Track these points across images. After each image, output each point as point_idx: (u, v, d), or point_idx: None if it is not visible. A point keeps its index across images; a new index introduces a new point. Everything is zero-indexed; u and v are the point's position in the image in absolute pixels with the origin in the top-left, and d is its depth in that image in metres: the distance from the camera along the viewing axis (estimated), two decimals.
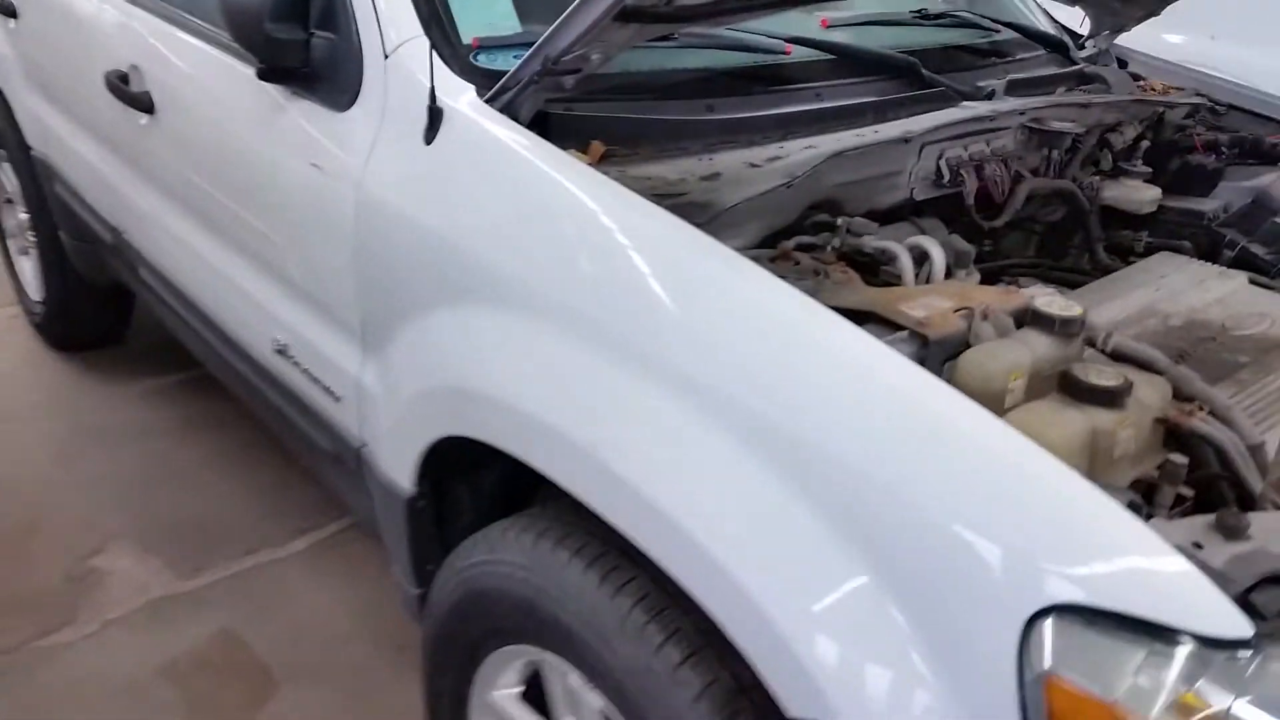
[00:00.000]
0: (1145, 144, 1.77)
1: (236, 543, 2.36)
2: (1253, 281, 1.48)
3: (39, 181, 2.70)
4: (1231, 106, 1.96)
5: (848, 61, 1.60)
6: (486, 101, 1.28)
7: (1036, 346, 1.03)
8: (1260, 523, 0.87)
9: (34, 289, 3.12)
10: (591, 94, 1.35)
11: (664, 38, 1.39)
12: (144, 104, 1.88)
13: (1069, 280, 1.48)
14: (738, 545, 0.95)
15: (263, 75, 1.46)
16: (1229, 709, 0.77)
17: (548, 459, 1.13)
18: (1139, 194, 1.67)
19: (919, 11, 1.80)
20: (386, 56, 1.37)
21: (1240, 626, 0.76)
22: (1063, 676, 0.80)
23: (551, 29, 1.19)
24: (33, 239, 2.98)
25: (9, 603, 2.15)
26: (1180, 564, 0.79)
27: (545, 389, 1.12)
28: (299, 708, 1.94)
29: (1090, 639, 0.79)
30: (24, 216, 3.02)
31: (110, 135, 2.12)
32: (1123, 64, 2.10)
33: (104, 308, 2.99)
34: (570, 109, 1.33)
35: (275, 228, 1.59)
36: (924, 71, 1.61)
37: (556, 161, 1.20)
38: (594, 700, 1.19)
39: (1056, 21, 2.13)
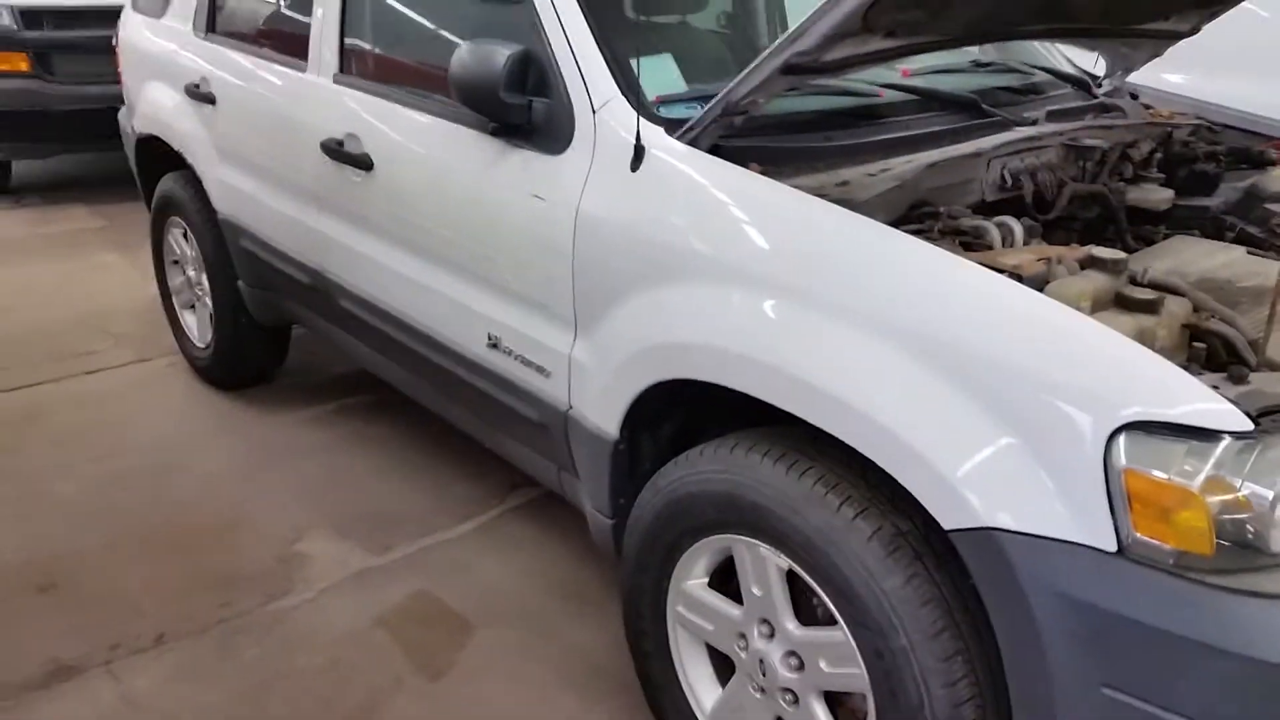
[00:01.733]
0: (1158, 156, 2.24)
1: (415, 526, 2.82)
2: (1249, 252, 1.94)
3: (223, 240, 3.21)
4: (1224, 126, 2.44)
5: (925, 100, 2.09)
6: (676, 138, 1.77)
7: (1096, 280, 1.49)
8: (1256, 377, 1.32)
9: (198, 337, 3.64)
10: (743, 131, 1.84)
11: (792, 87, 1.88)
12: (364, 163, 2.39)
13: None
14: (902, 416, 1.41)
15: (495, 132, 1.97)
16: (1240, 483, 1.22)
17: (744, 380, 1.60)
18: (1155, 195, 2.13)
19: (974, 61, 2.30)
20: (594, 112, 1.87)
21: (1244, 422, 1.21)
22: (1134, 469, 1.25)
23: (734, 82, 1.69)
24: (200, 293, 3.50)
25: (231, 580, 2.60)
26: (1206, 392, 1.25)
27: (742, 329, 1.59)
28: (495, 644, 2.38)
29: (1151, 442, 1.25)
30: (191, 274, 3.55)
31: (318, 192, 2.63)
32: (1134, 96, 2.59)
33: (268, 347, 3.50)
34: (731, 142, 1.81)
35: (495, 247, 2.09)
36: (983, 105, 2.10)
37: (738, 174, 1.68)
38: (780, 562, 1.63)
39: (1077, 65, 2.63)
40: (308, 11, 2.68)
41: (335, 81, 2.56)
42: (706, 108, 1.74)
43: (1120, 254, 1.55)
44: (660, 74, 1.94)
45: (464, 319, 2.23)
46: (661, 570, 1.86)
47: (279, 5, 2.95)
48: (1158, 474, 1.24)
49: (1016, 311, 1.39)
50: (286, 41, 2.79)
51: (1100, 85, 2.55)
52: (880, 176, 1.80)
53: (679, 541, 1.80)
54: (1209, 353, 1.44)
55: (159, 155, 3.50)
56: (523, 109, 1.92)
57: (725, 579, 1.81)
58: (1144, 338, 1.39)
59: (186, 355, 3.73)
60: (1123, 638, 1.26)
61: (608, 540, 2.06)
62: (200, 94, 3.10)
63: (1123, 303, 1.46)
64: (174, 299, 3.74)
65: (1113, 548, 1.27)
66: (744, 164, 1.75)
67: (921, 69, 2.18)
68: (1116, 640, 1.27)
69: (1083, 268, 1.55)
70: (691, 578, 1.83)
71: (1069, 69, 2.54)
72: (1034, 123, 2.15)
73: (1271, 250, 1.97)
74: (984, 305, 1.41)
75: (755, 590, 1.71)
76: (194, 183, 3.30)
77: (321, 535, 2.80)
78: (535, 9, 1.97)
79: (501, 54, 1.89)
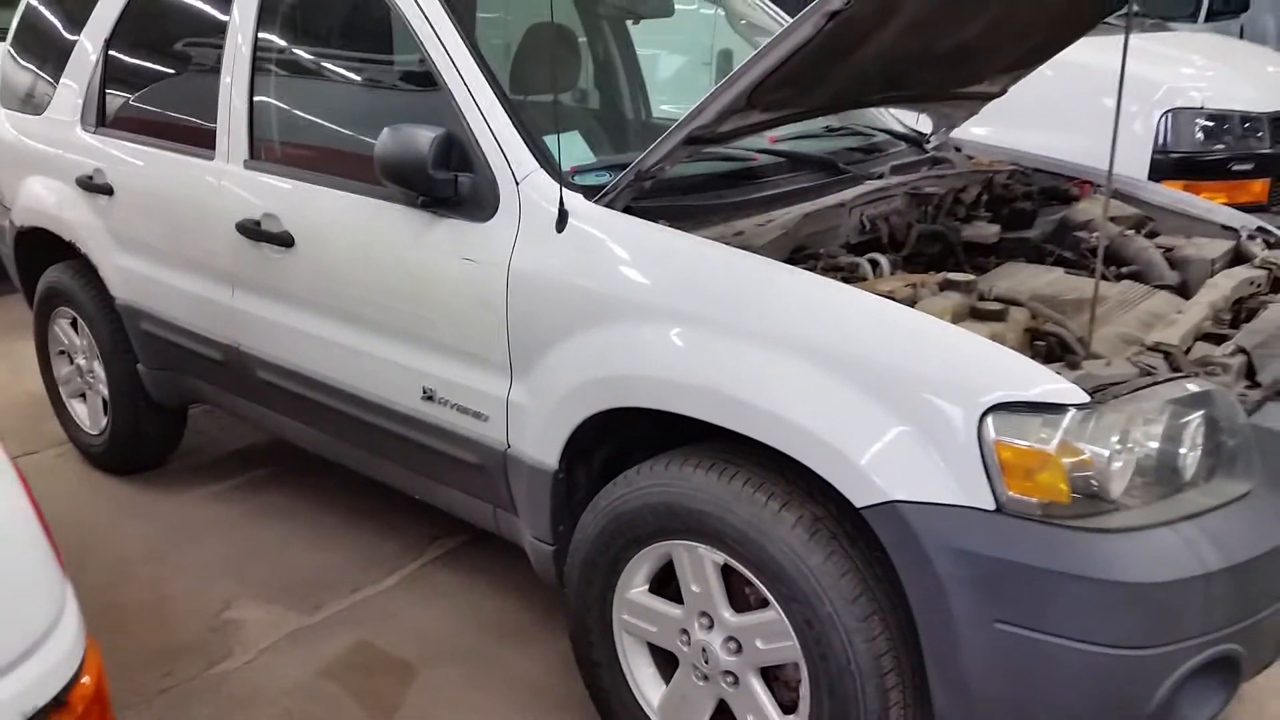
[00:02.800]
0: (984, 198, 2.66)
1: (341, 585, 2.93)
2: (1067, 272, 2.35)
3: (121, 326, 3.27)
4: (1035, 169, 2.91)
5: (793, 161, 2.44)
6: (594, 202, 2.05)
7: (954, 298, 1.84)
8: (1086, 364, 1.68)
9: (90, 424, 3.64)
10: (651, 193, 2.13)
11: (691, 156, 2.19)
12: (284, 240, 2.56)
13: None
14: (815, 418, 1.70)
15: (423, 205, 2.20)
16: (1081, 442, 1.56)
17: (680, 401, 1.86)
18: (985, 230, 2.54)
19: (827, 127, 2.69)
20: (518, 183, 2.12)
21: (1083, 397, 1.56)
22: (1002, 440, 1.58)
23: (644, 154, 1.98)
24: (92, 381, 3.53)
25: (168, 652, 2.66)
26: (1052, 375, 1.59)
27: (670, 358, 1.86)
28: (439, 681, 2.53)
29: (1013, 419, 1.58)
30: (81, 363, 3.57)
31: (233, 270, 2.77)
32: (958, 149, 3.03)
33: (166, 429, 3.54)
34: (641, 203, 2.10)
35: (427, 307, 2.29)
36: (839, 164, 2.47)
37: (652, 229, 1.97)
38: (716, 558, 1.89)
39: (907, 125, 3.06)
40: (209, 103, 2.83)
41: (246, 167, 2.72)
42: (621, 175, 2.03)
43: (970, 276, 1.92)
44: (572, 148, 2.22)
45: (397, 376, 2.41)
46: (606, 583, 2.08)
47: (175, 98, 3.08)
48: (1021, 443, 1.57)
49: (898, 325, 1.71)
50: (188, 132, 2.93)
51: (929, 141, 2.99)
52: (768, 226, 2.12)
53: (622, 554, 2.04)
54: (1048, 349, 1.81)
55: (41, 248, 3.53)
56: (449, 183, 2.16)
57: (663, 585, 2.05)
58: (997, 340, 1.73)
59: (77, 444, 3.71)
60: (1007, 578, 1.58)
61: (549, 568, 2.26)
62: (95, 185, 3.18)
63: (977, 314, 1.81)
64: (61, 389, 3.73)
65: (992, 506, 1.59)
66: (654, 220, 2.03)
67: (784, 135, 2.53)
68: (1002, 581, 1.58)
69: (941, 290, 1.90)
70: (634, 587, 2.06)
71: (902, 129, 2.96)
72: (881, 176, 2.52)
73: (1083, 270, 2.39)
74: (872, 321, 1.73)
75: (694, 588, 1.95)
76: (86, 272, 3.35)
77: (249, 603, 2.87)
78: (455, 100, 2.22)
79: (426, 136, 2.12)
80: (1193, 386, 1.68)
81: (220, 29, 2.84)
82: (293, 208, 2.57)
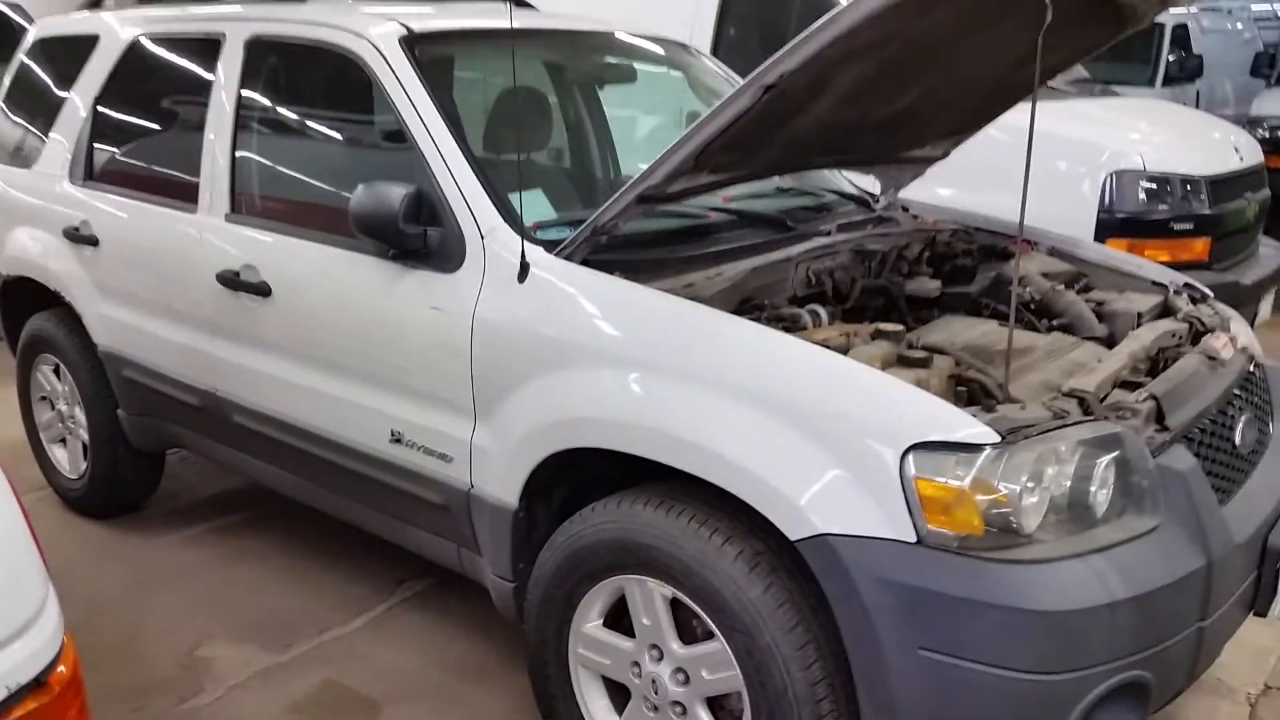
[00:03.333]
0: (927, 255, 2.82)
1: (310, 625, 3.01)
2: (1000, 324, 2.50)
3: (103, 372, 3.38)
4: (975, 228, 3.07)
5: (744, 219, 2.60)
6: (554, 255, 2.19)
7: (884, 347, 1.98)
8: (1002, 408, 1.82)
9: (69, 469, 3.72)
10: (608, 247, 2.26)
11: (645, 213, 2.34)
12: (262, 290, 2.69)
13: None
14: (756, 458, 1.83)
15: (394, 257, 2.33)
16: (995, 479, 1.69)
17: (630, 442, 1.99)
18: (927, 285, 2.69)
19: (778, 188, 2.85)
20: (483, 238, 2.26)
21: (995, 437, 1.69)
22: (922, 477, 1.70)
23: (600, 211, 2.12)
24: (73, 426, 3.62)
25: (140, 688, 2.73)
26: (967, 418, 1.73)
27: (623, 401, 1.99)
28: (406, 718, 2.61)
29: (932, 457, 1.71)
30: (63, 408, 3.66)
31: (212, 319, 2.89)
32: (905, 209, 3.20)
33: (144, 473, 3.63)
34: (598, 256, 2.23)
35: (396, 353, 2.42)
36: (788, 221, 2.62)
37: (608, 281, 2.11)
38: (665, 592, 2.00)
39: (858, 186, 3.23)
40: (192, 158, 2.98)
41: (228, 220, 2.86)
42: (579, 230, 2.17)
43: (899, 327, 2.06)
44: (535, 205, 2.36)
45: (366, 420, 2.52)
46: (562, 618, 2.18)
47: (160, 154, 3.21)
48: (938, 480, 1.70)
49: (829, 371, 1.85)
50: (172, 186, 3.07)
51: (879, 201, 3.15)
52: (717, 279, 2.26)
53: (577, 589, 2.14)
54: (970, 394, 1.94)
55: (25, 297, 3.64)
56: (419, 237, 2.29)
57: (616, 621, 2.15)
58: (921, 385, 1.87)
59: (56, 488, 3.79)
60: (928, 606, 1.70)
61: (509, 604, 2.36)
62: (81, 236, 3.31)
63: (904, 361, 1.95)
64: (42, 434, 3.81)
65: (913, 539, 1.71)
66: (610, 273, 2.17)
67: (738, 195, 2.69)
68: (924, 609, 1.70)
69: (872, 339, 2.04)
70: (589, 621, 2.16)
71: (851, 190, 3.13)
72: (828, 234, 2.68)
73: (1018, 323, 2.54)
74: (806, 367, 1.86)
75: (645, 620, 2.06)
76: (69, 320, 3.46)
77: (220, 642, 2.95)
78: (426, 159, 2.37)
79: (398, 193, 2.27)
80: (1102, 429, 1.82)
81: (205, 88, 3.00)
82: (270, 259, 2.70)
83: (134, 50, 3.35)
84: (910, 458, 1.72)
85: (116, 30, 3.41)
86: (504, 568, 2.32)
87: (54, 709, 1.30)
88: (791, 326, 2.16)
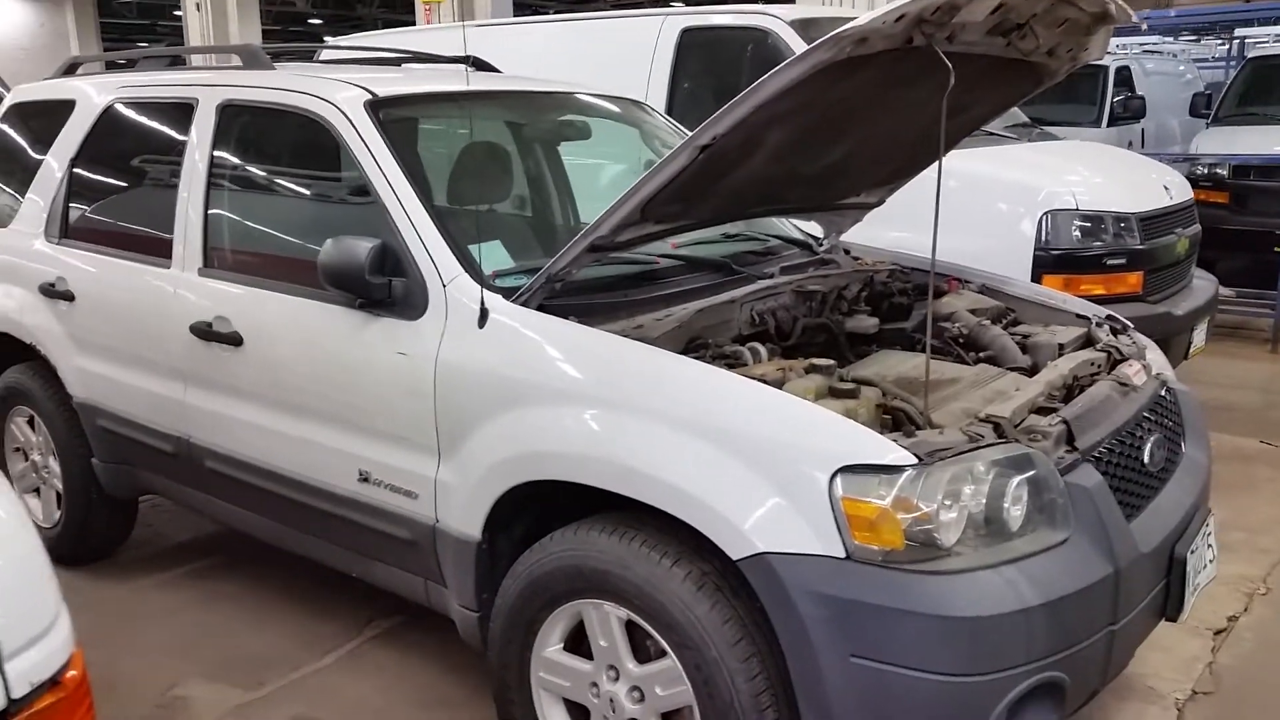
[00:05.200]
0: (864, 294, 3.00)
1: (283, 664, 3.10)
2: (933, 357, 2.68)
3: (78, 423, 3.48)
4: (913, 269, 3.26)
5: (691, 264, 2.77)
6: (512, 301, 2.34)
7: (816, 380, 2.15)
8: (922, 434, 1.98)
9: (42, 518, 3.80)
10: (564, 293, 2.42)
11: (597, 261, 2.50)
12: (234, 340, 2.82)
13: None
14: (700, 485, 1.97)
15: (360, 306, 2.48)
16: (915, 496, 1.85)
17: (585, 473, 2.13)
18: (865, 323, 2.87)
19: (724, 234, 3.03)
20: (445, 286, 2.41)
21: (913, 459, 1.86)
22: (848, 497, 1.86)
23: (554, 259, 2.28)
24: (47, 475, 3.71)
25: None
26: (888, 442, 1.89)
27: (578, 436, 2.14)
28: None
29: (857, 478, 1.86)
30: (37, 459, 3.75)
31: (185, 369, 3.01)
32: (847, 251, 3.38)
33: (117, 520, 3.72)
34: (554, 301, 2.39)
35: (363, 397, 2.55)
36: (733, 265, 2.79)
37: (561, 324, 2.26)
38: (620, 614, 2.13)
39: (804, 231, 3.41)
40: (166, 215, 3.12)
41: (200, 274, 3.00)
42: (535, 277, 2.33)
43: (831, 362, 2.22)
44: (494, 255, 2.52)
45: (335, 461, 2.65)
46: (524, 644, 2.31)
47: (135, 213, 3.35)
48: (863, 499, 1.85)
49: (766, 403, 2.01)
50: (146, 243, 3.20)
51: (822, 245, 3.34)
52: (665, 320, 2.42)
53: (538, 615, 2.27)
54: (895, 421, 2.10)
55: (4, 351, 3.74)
56: (384, 287, 2.44)
57: (576, 645, 2.28)
58: (849, 414, 2.03)
59: None
60: (857, 616, 1.84)
61: (474, 634, 2.48)
62: (57, 292, 3.43)
63: (834, 393, 2.11)
64: (15, 485, 3.88)
65: (843, 554, 1.86)
66: (565, 317, 2.32)
67: (686, 242, 2.87)
68: (853, 619, 1.84)
69: (807, 373, 2.21)
70: (550, 646, 2.29)
71: (796, 234, 3.31)
72: (771, 276, 2.85)
73: (947, 355, 2.72)
74: (745, 400, 2.02)
75: (602, 642, 2.19)
76: (44, 373, 3.56)
77: (195, 681, 3.03)
78: (390, 214, 2.53)
79: (364, 246, 2.42)
80: (1014, 451, 1.98)
81: (178, 149, 3.15)
82: (242, 310, 2.84)
83: (109, 114, 3.50)
84: (838, 480, 1.87)
85: (92, 95, 3.56)
86: (468, 598, 2.45)
87: (67, 705, 1.52)
88: (734, 363, 2.32)
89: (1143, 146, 9.92)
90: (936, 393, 2.40)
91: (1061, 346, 2.70)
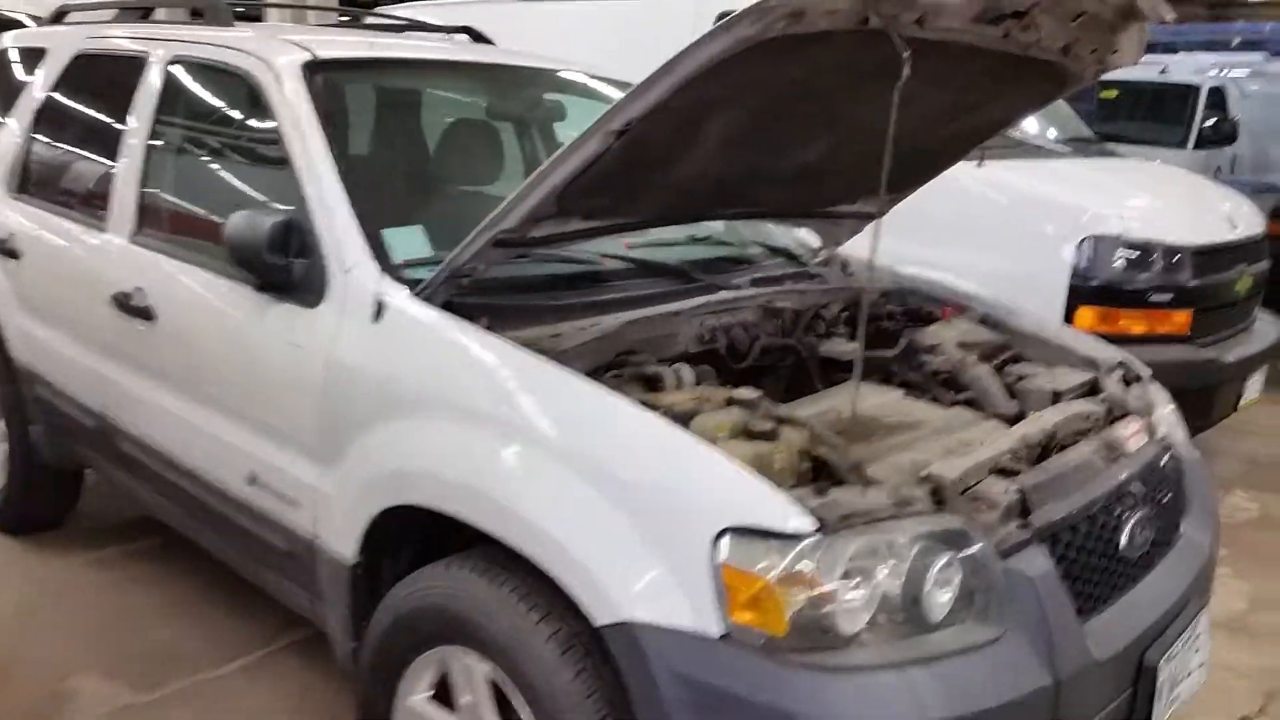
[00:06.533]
0: (845, 315, 2.66)
1: (186, 664, 2.89)
2: (906, 394, 2.34)
3: (18, 385, 3.32)
4: (912, 291, 2.91)
5: (645, 268, 2.46)
6: (414, 295, 2.06)
7: (733, 414, 1.82)
8: (838, 491, 1.66)
9: None
10: (483, 289, 2.14)
11: (523, 256, 2.22)
12: (147, 314, 2.60)
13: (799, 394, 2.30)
14: (566, 529, 1.68)
15: (259, 288, 2.23)
16: (811, 571, 1.53)
17: (446, 500, 1.85)
18: (841, 347, 2.53)
19: (691, 236, 2.71)
20: (346, 272, 2.15)
21: (812, 526, 1.53)
22: (729, 564, 1.54)
23: (454, 252, 2.00)
24: None
25: (2, 712, 2.63)
26: (785, 502, 1.57)
27: (449, 459, 1.85)
28: None
29: (743, 543, 1.55)
30: None
31: (106, 341, 2.81)
32: (845, 265, 3.04)
33: (59, 491, 3.55)
34: (467, 299, 2.10)
35: (256, 389, 2.31)
36: (692, 273, 2.48)
37: (456, 325, 1.98)
38: (485, 668, 1.85)
39: (798, 241, 3.08)
40: (109, 176, 2.92)
41: (131, 240, 2.78)
42: (436, 271, 2.05)
43: (755, 394, 1.89)
44: (409, 241, 2.25)
45: (228, 457, 2.42)
46: (389, 687, 2.03)
47: (83, 171, 3.16)
48: (746, 569, 1.54)
49: (655, 441, 1.70)
50: (88, 204, 3.01)
51: (817, 256, 3.00)
52: (589, 330, 2.12)
53: (404, 657, 1.99)
54: (819, 472, 1.77)
55: None
56: (284, 269, 2.19)
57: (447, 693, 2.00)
58: (760, 461, 1.71)
59: None
60: (726, 710, 1.53)
61: (350, 663, 2.22)
62: (4, 248, 3.26)
63: (749, 433, 1.79)
64: None
65: (718, 633, 1.55)
66: (475, 318, 2.04)
67: (642, 242, 2.56)
68: (722, 711, 1.53)
69: (725, 405, 1.88)
70: (415, 693, 2.00)
71: (786, 243, 2.98)
72: (738, 287, 2.53)
73: (924, 393, 2.37)
74: (632, 435, 1.72)
75: (466, 698, 1.91)
76: None
77: (92, 674, 2.84)
78: (303, 188, 2.27)
79: (267, 220, 2.17)
80: (945, 523, 1.65)
81: (128, 105, 2.94)
82: (156, 283, 2.62)
83: (73, 65, 3.32)
84: (723, 543, 1.56)
85: (61, 45, 3.39)
86: (342, 624, 2.19)
87: None
88: (654, 385, 2.01)
89: (1231, 172, 9.26)
90: (889, 439, 2.07)
91: (1058, 394, 2.33)
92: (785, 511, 1.56)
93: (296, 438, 2.23)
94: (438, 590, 1.90)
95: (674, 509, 1.62)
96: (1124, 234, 3.90)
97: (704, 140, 1.99)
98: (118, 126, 2.97)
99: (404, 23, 3.71)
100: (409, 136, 2.62)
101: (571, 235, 2.15)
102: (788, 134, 2.17)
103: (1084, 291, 3.88)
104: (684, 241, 2.70)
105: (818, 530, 1.55)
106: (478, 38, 3.59)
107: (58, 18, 3.79)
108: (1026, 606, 1.65)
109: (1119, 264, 3.88)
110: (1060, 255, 3.93)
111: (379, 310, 2.08)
